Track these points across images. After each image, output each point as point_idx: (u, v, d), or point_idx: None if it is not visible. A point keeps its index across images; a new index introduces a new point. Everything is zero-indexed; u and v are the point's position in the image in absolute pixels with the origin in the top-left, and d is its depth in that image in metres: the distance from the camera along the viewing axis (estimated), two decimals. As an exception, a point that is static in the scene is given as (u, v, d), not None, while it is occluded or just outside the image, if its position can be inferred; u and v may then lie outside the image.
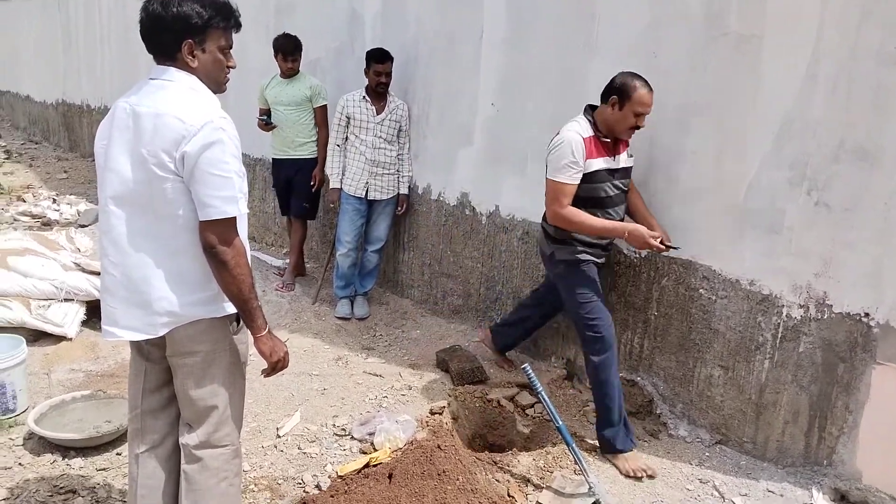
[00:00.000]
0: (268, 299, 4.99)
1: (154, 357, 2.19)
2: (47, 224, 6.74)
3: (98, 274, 3.96)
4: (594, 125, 3.12)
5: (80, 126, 10.97)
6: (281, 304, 4.99)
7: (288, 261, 5.57)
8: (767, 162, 3.02)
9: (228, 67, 2.11)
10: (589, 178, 3.09)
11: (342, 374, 3.97)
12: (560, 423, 2.95)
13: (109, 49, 9.57)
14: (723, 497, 2.95)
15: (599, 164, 3.11)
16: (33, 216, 7.02)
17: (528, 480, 2.97)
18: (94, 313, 4.23)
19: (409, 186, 4.94)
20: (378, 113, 4.71)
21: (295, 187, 5.27)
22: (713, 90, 3.16)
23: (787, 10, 2.90)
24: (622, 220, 3.23)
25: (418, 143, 4.88)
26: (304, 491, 2.87)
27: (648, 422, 3.49)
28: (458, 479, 2.74)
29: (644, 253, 3.48)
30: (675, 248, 3.17)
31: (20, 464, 2.95)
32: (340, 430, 3.33)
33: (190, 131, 1.91)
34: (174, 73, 2.01)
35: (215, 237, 1.95)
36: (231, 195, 1.96)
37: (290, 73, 5.09)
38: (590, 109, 3.18)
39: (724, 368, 3.27)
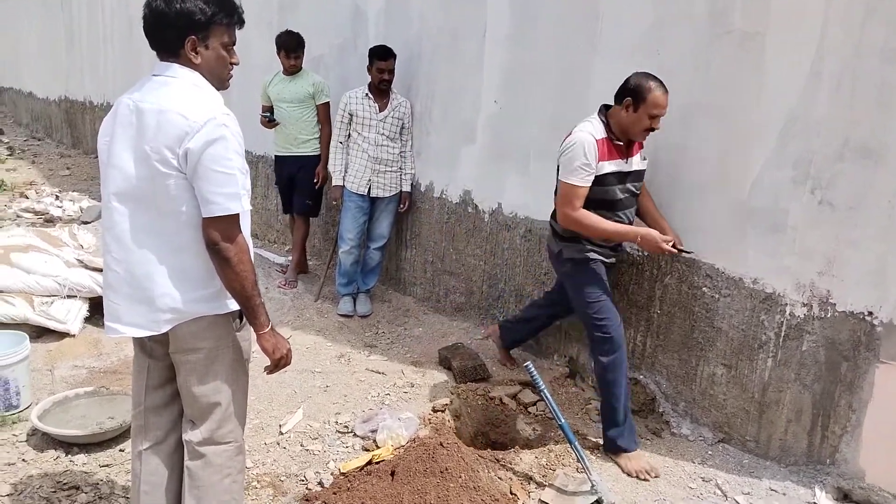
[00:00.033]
0: (270, 296, 4.99)
1: (157, 354, 2.19)
2: (50, 221, 6.75)
3: (101, 271, 3.97)
4: (607, 126, 3.06)
5: (83, 123, 10.98)
6: (283, 302, 5.00)
7: (290, 258, 5.57)
8: (771, 160, 3.01)
9: (232, 64, 2.11)
10: (600, 180, 3.04)
11: (345, 372, 3.97)
12: (563, 420, 2.95)
13: (112, 45, 9.57)
14: (725, 495, 2.94)
15: (611, 166, 3.05)
16: (36, 213, 7.04)
17: (531, 478, 2.97)
18: (96, 310, 4.23)
19: (412, 184, 4.94)
20: (381, 110, 4.71)
21: (298, 184, 5.27)
22: (717, 88, 3.15)
23: (792, 8, 2.89)
24: (631, 222, 3.20)
25: (421, 140, 4.88)
26: (306, 488, 2.88)
27: (651, 420, 3.49)
28: (460, 477, 2.74)
29: (648, 252, 3.46)
30: (687, 252, 3.14)
31: (24, 460, 2.95)
32: (343, 427, 3.34)
33: (193, 128, 1.91)
34: (177, 70, 2.01)
35: (218, 234, 1.95)
36: (234, 192, 1.96)
37: (292, 70, 5.09)
38: (604, 109, 3.11)
39: (726, 367, 3.26)
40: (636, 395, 3.53)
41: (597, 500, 2.82)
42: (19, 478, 2.82)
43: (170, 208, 1.98)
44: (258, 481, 2.89)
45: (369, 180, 4.76)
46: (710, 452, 3.24)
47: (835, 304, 2.91)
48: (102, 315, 2.17)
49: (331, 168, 4.90)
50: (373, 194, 4.80)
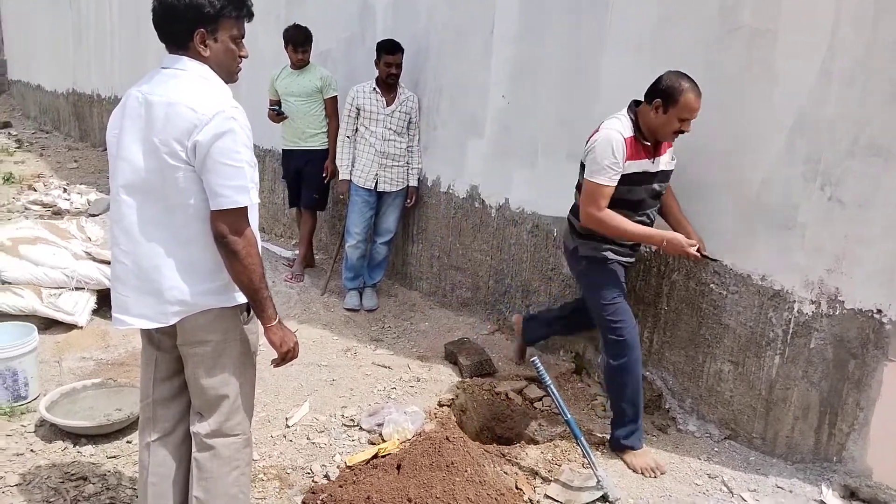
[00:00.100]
0: (277, 290, 5.00)
1: (165, 346, 2.20)
2: (58, 213, 6.78)
3: (108, 263, 3.98)
4: (636, 124, 2.95)
5: (91, 116, 11.01)
6: (290, 295, 5.01)
7: (297, 252, 5.58)
8: (781, 157, 3.00)
9: (240, 57, 2.10)
10: (625, 180, 2.92)
11: (351, 366, 3.98)
12: (569, 416, 2.95)
13: (119, 39, 9.59)
14: (731, 492, 2.94)
15: (637, 166, 2.94)
16: (44, 205, 7.06)
17: (537, 473, 2.97)
18: (104, 302, 4.25)
19: (419, 178, 4.94)
20: (388, 104, 4.70)
21: (305, 178, 5.27)
22: (726, 84, 3.13)
23: (803, 5, 2.87)
24: (653, 222, 3.13)
25: (428, 134, 4.87)
26: (312, 481, 2.89)
27: (657, 416, 3.48)
28: (466, 471, 2.74)
29: (654, 247, 3.45)
30: (713, 259, 3.09)
31: (32, 450, 2.97)
32: (349, 420, 3.34)
33: (202, 121, 1.91)
34: (186, 63, 2.01)
35: (226, 227, 1.95)
36: (242, 185, 1.96)
37: (300, 64, 5.09)
38: (633, 105, 3.00)
39: (733, 364, 3.25)
40: (643, 391, 3.52)
41: (602, 496, 2.82)
42: (28, 468, 2.84)
43: (178, 201, 1.98)
44: (264, 474, 2.90)
45: (376, 175, 4.76)
46: (716, 449, 3.23)
47: (843, 302, 2.90)
48: (110, 307, 2.18)
49: (338, 162, 4.90)
50: (380, 189, 4.80)
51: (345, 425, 3.31)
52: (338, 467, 2.96)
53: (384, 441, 3.12)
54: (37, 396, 3.38)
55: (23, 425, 3.16)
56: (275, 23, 5.85)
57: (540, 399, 3.60)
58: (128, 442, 3.07)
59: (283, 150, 5.40)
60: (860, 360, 2.88)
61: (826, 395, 2.99)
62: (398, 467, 2.80)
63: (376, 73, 4.69)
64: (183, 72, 2.00)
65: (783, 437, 3.13)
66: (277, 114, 5.19)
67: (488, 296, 4.59)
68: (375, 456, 2.98)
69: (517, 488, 2.84)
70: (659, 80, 2.90)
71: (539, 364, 3.02)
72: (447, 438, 2.93)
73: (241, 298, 2.09)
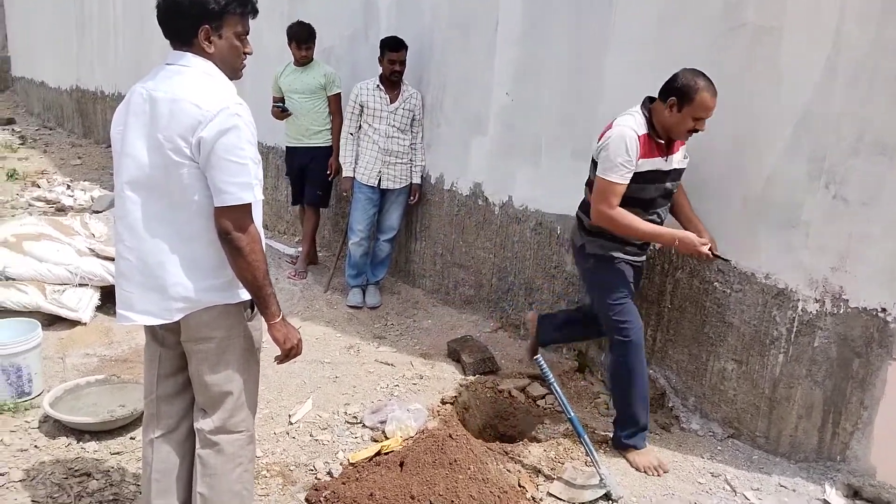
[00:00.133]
0: (280, 287, 5.00)
1: (169, 343, 2.20)
2: (61, 209, 6.79)
3: (112, 259, 3.99)
4: (649, 121, 2.90)
5: (94, 112, 11.02)
6: (293, 292, 5.01)
7: (300, 249, 5.58)
8: (785, 155, 2.99)
9: (245, 54, 2.10)
10: (637, 178, 2.87)
11: (354, 363, 3.98)
12: (572, 414, 2.94)
13: (123, 35, 9.59)
14: (734, 491, 2.93)
15: (650, 164, 2.89)
16: (48, 202, 7.07)
17: (539, 471, 2.97)
18: (108, 298, 4.26)
19: (422, 176, 4.94)
20: (392, 101, 4.70)
21: (309, 175, 5.27)
22: (731, 82, 3.12)
23: (807, 2, 2.86)
24: (664, 221, 3.08)
25: (432, 131, 4.87)
26: (315, 477, 2.89)
27: (660, 415, 3.48)
28: (469, 469, 2.75)
29: (658, 245, 3.44)
30: (725, 259, 3.06)
31: (36, 446, 2.98)
32: (352, 417, 3.35)
33: (206, 117, 1.91)
34: (191, 59, 2.01)
35: (230, 223, 1.96)
36: (247, 181, 1.96)
37: (303, 61, 5.08)
38: (647, 102, 2.94)
39: (737, 362, 3.25)
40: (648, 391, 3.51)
41: (605, 494, 2.82)
42: (31, 464, 2.84)
43: (182, 197, 1.98)
44: (268, 470, 2.90)
45: (380, 172, 4.76)
46: (719, 448, 3.23)
47: (847, 301, 2.89)
48: (114, 304, 2.18)
49: (341, 159, 4.89)
50: (383, 186, 4.80)
51: (348, 422, 3.32)
52: (341, 464, 2.96)
53: (387, 438, 3.12)
54: (40, 392, 3.38)
55: (26, 421, 3.16)
56: (279, 19, 5.85)
57: (543, 397, 3.60)
58: (131, 438, 3.07)
59: (286, 147, 5.40)
60: (864, 359, 2.87)
61: (830, 394, 2.98)
62: (401, 465, 2.80)
63: (380, 70, 4.68)
64: (187, 68, 2.00)
65: (787, 436, 3.12)
66: (281, 111, 5.19)
67: (491, 293, 4.59)
68: (378, 453, 2.98)
69: (520, 486, 2.84)
70: (674, 77, 2.84)
71: (542, 362, 3.01)
72: (450, 436, 2.93)
73: (245, 295, 2.09)
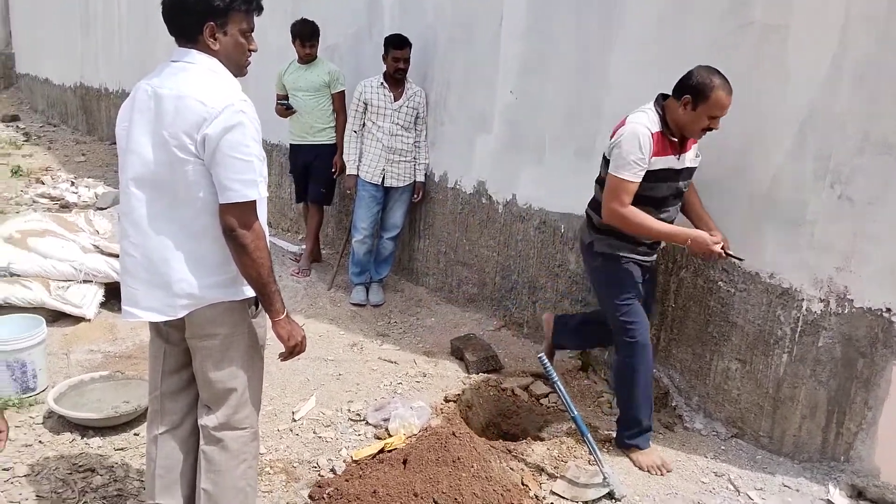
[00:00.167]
0: (283, 285, 5.00)
1: (173, 339, 2.21)
2: (66, 206, 6.80)
3: (116, 256, 4.00)
4: (663, 119, 2.86)
5: (98, 109, 11.04)
6: (297, 290, 5.01)
7: (304, 246, 5.59)
8: (790, 154, 2.98)
9: (250, 51, 2.10)
10: (649, 176, 2.83)
11: (357, 360, 3.98)
12: (575, 413, 2.94)
13: (128, 32, 9.60)
14: (738, 491, 2.93)
15: (662, 163, 2.85)
16: (52, 198, 7.09)
17: (543, 469, 2.97)
18: (112, 295, 4.27)
19: (426, 174, 4.93)
20: (396, 99, 4.70)
21: (313, 173, 5.27)
22: (736, 80, 3.10)
23: (814, 0, 2.85)
24: (674, 220, 3.04)
25: (435, 129, 4.87)
26: (319, 475, 2.89)
27: (664, 414, 3.48)
28: (472, 467, 2.75)
29: (663, 243, 3.43)
30: (738, 258, 3.01)
31: (40, 441, 2.99)
32: (355, 415, 3.35)
33: (211, 114, 1.91)
34: (196, 56, 2.01)
35: (235, 220, 1.96)
36: (251, 178, 1.96)
37: (307, 58, 5.08)
38: (661, 99, 2.90)
39: (741, 362, 3.24)
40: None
41: (608, 493, 2.82)
42: (36, 459, 2.85)
43: (187, 194, 1.98)
44: (271, 467, 2.91)
45: (383, 170, 4.76)
46: (723, 447, 3.23)
47: (852, 300, 2.88)
48: (118, 300, 2.18)
49: (345, 157, 4.89)
50: (387, 184, 4.79)
51: (351, 420, 3.32)
52: (344, 461, 2.96)
53: (390, 436, 3.12)
54: (45, 388, 3.39)
55: (31, 417, 3.17)
56: (283, 17, 5.84)
57: (546, 395, 3.60)
58: (135, 434, 3.08)
59: (290, 144, 5.40)
60: (869, 358, 2.87)
61: (834, 394, 2.97)
62: (404, 462, 2.81)
63: (384, 67, 4.68)
64: (192, 65, 2.00)
65: (790, 436, 3.12)
66: (285, 108, 5.19)
67: (495, 292, 4.59)
68: (381, 451, 2.98)
69: (523, 484, 2.84)
70: (689, 75, 2.80)
71: (546, 360, 3.01)
72: (453, 434, 2.94)
73: (250, 292, 2.09)
